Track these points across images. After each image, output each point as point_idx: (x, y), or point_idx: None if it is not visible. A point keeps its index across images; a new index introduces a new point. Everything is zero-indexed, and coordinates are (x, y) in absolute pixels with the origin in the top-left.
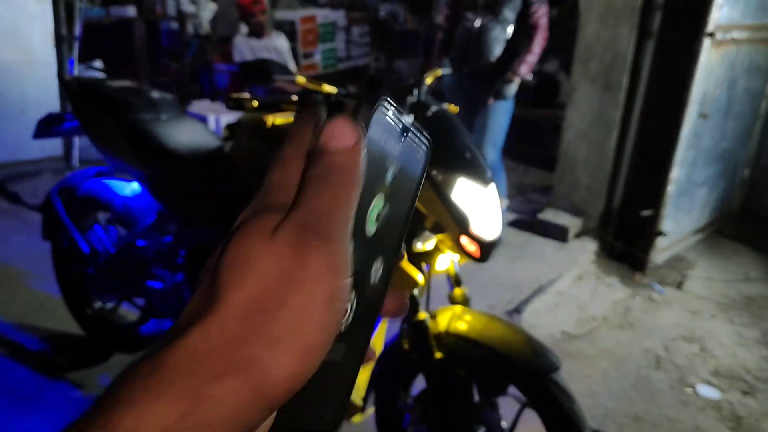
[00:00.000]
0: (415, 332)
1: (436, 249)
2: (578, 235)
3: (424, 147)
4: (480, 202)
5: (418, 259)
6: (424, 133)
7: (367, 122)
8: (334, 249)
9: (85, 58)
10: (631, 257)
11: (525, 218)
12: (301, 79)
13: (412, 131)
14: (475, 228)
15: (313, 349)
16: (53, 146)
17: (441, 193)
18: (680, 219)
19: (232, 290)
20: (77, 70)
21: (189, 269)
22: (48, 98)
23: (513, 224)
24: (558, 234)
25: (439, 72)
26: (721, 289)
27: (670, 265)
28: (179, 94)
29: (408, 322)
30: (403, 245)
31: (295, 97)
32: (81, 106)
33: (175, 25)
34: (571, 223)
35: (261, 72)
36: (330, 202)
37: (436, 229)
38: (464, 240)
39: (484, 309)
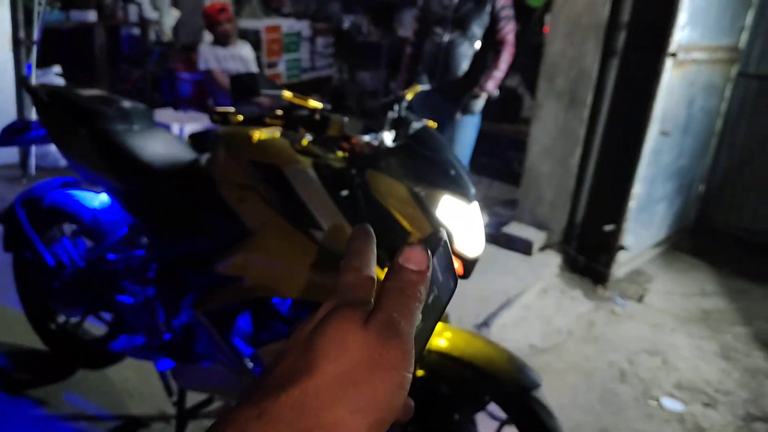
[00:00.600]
0: None
1: None
2: (542, 249)
3: (454, 283)
4: (464, 219)
5: None
6: (455, 272)
7: (434, 253)
8: (407, 347)
9: (44, 64)
10: (594, 271)
11: (490, 231)
12: (287, 94)
13: (453, 268)
14: (458, 245)
15: (383, 421)
16: (9, 154)
17: (425, 209)
18: (640, 234)
19: (329, 362)
20: (35, 76)
21: (161, 283)
22: (5, 104)
23: None
24: (523, 247)
25: (419, 88)
26: (679, 303)
27: (631, 279)
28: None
29: None
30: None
31: (279, 112)
32: (49, 115)
33: (136, 31)
34: (536, 236)
35: (249, 85)
36: (404, 310)
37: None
38: None
39: (454, 322)
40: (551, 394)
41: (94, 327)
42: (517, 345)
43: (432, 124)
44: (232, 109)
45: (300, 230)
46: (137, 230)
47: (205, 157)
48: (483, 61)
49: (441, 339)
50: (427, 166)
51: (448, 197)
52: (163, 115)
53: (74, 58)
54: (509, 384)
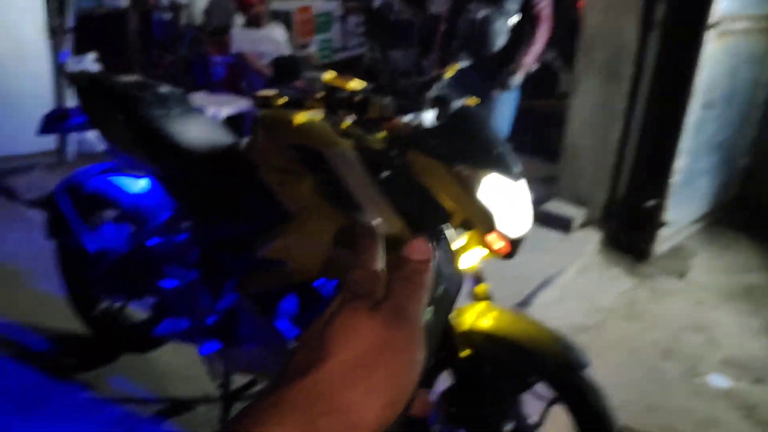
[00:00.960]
0: None
1: (463, 246)
2: (582, 226)
3: (460, 277)
4: (509, 198)
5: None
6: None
7: (436, 245)
8: (415, 329)
9: (79, 51)
10: (635, 248)
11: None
12: (328, 76)
13: (456, 262)
14: (503, 225)
15: (397, 401)
16: (46, 141)
17: (468, 189)
18: (682, 209)
19: (341, 349)
20: (71, 63)
21: (204, 267)
22: (42, 92)
23: None
24: (562, 225)
25: (458, 66)
26: (722, 279)
27: (673, 255)
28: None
29: None
30: None
31: (320, 94)
32: (90, 102)
33: (168, 15)
34: (575, 214)
35: (290, 68)
36: (412, 295)
37: (466, 226)
38: (492, 237)
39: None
40: (595, 372)
41: (137, 312)
42: (558, 324)
43: (473, 101)
44: (273, 92)
45: (341, 213)
46: (179, 215)
47: (244, 141)
48: (519, 37)
49: (485, 319)
50: (469, 145)
51: (491, 176)
52: (197, 98)
53: (108, 45)
54: (557, 363)
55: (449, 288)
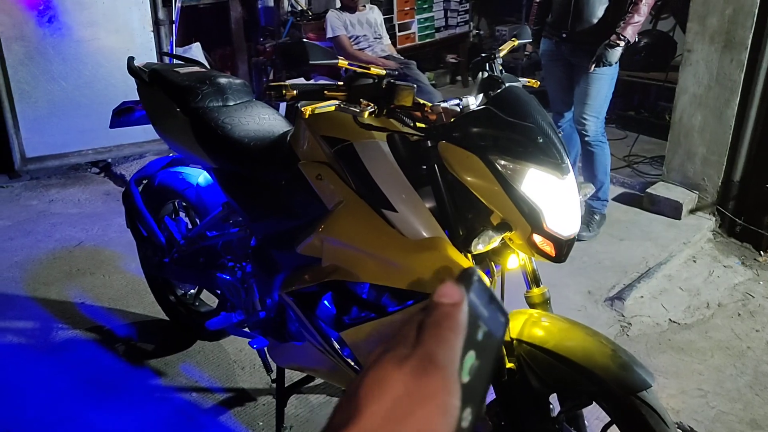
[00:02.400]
0: None
1: (506, 246)
2: (693, 212)
3: (503, 317)
4: (555, 195)
5: (485, 257)
6: (502, 304)
7: (467, 288)
8: (446, 374)
9: (184, 41)
10: (754, 236)
11: (633, 192)
12: (343, 62)
13: (497, 301)
14: (549, 225)
15: None
16: None
17: (508, 185)
18: None
19: (371, 404)
20: (175, 53)
21: (256, 262)
22: None
23: (619, 199)
24: (670, 210)
25: (516, 42)
26: None
27: None
28: (276, 73)
29: None
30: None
31: (340, 83)
32: (147, 95)
33: (270, 2)
34: (685, 198)
35: (296, 56)
36: (442, 341)
37: (503, 228)
38: (537, 238)
39: (582, 294)
40: (691, 376)
41: (211, 299)
42: (654, 321)
43: (533, 83)
44: (286, 83)
45: (376, 210)
46: (232, 208)
47: (291, 132)
48: (620, 7)
49: (537, 328)
50: (509, 135)
51: (535, 171)
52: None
53: (212, 34)
54: (612, 383)
55: (492, 330)
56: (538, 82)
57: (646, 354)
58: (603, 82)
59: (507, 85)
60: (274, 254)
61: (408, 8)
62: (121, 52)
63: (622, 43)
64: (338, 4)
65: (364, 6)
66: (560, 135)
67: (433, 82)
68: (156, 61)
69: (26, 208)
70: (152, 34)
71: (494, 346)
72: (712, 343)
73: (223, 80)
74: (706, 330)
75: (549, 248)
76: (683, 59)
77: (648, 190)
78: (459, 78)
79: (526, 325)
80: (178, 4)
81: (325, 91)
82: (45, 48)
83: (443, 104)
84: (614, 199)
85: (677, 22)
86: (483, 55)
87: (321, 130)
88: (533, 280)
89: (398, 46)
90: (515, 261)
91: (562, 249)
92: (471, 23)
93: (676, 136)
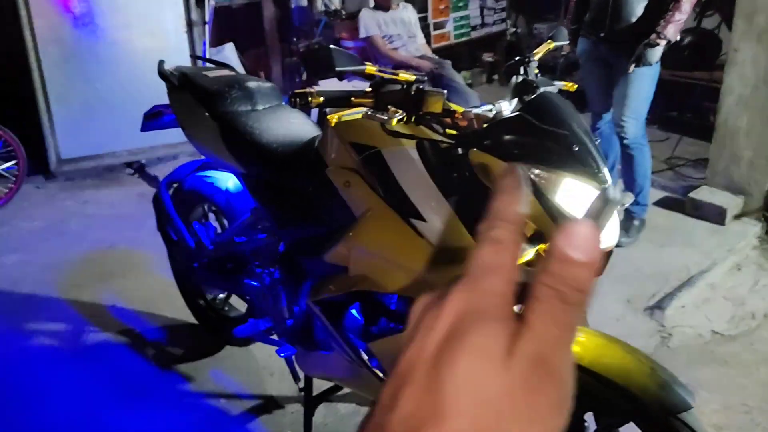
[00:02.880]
0: None
1: (541, 258)
2: (738, 217)
3: None
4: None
5: None
6: None
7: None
8: (563, 390)
9: (217, 42)
10: None
11: (675, 197)
12: (371, 69)
13: None
14: None
15: None
16: None
17: (542, 195)
18: None
19: (461, 415)
20: (209, 55)
21: (284, 269)
22: None
23: (661, 203)
24: (714, 215)
25: (552, 45)
26: None
27: None
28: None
29: None
30: None
31: (368, 89)
32: (176, 98)
33: (305, 2)
34: (730, 202)
35: (322, 62)
36: (564, 330)
37: (537, 239)
38: None
39: (621, 303)
40: (735, 391)
41: (241, 304)
42: (697, 331)
43: (570, 86)
44: (312, 90)
45: (404, 219)
46: (259, 214)
47: (319, 138)
48: (661, 4)
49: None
50: (543, 142)
51: (570, 180)
52: (324, 86)
53: (246, 35)
54: (650, 403)
55: None
56: (575, 85)
57: (687, 366)
58: (643, 83)
59: (541, 90)
60: (302, 261)
61: (443, 6)
62: (154, 53)
63: (663, 43)
64: (371, 3)
65: (398, 4)
66: (597, 141)
67: (469, 81)
68: (188, 64)
69: (60, 210)
70: (185, 35)
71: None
72: (758, 356)
73: (252, 84)
74: (752, 342)
75: None
76: (729, 58)
77: (691, 195)
78: (495, 77)
79: None
80: (212, 4)
81: (353, 98)
82: (80, 50)
83: (475, 110)
84: (655, 204)
85: (723, 20)
86: (517, 58)
87: (349, 137)
88: None
89: (433, 45)
90: None
91: (602, 262)
92: (508, 21)
93: (720, 138)
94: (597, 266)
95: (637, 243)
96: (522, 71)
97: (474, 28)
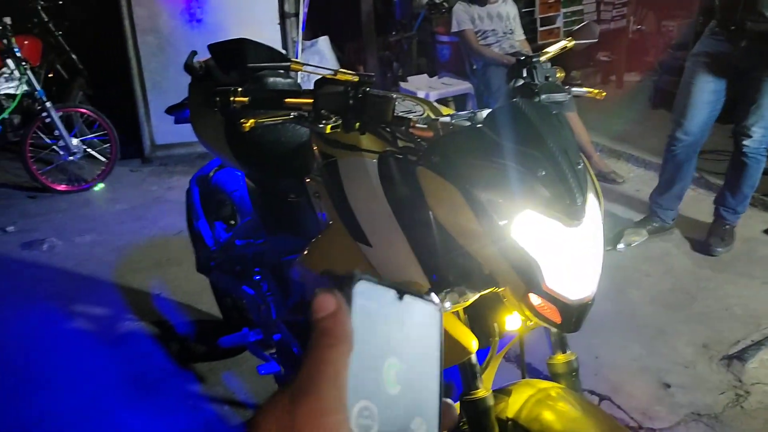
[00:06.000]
0: (472, 414)
1: (502, 307)
2: None
3: (432, 305)
4: (560, 245)
5: (482, 315)
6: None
7: (348, 294)
8: (321, 398)
9: (311, 36)
10: None
11: None
12: (297, 66)
13: (410, 294)
14: (550, 283)
15: None
16: None
17: (495, 228)
18: None
19: None
20: (302, 48)
21: (273, 279)
22: None
23: None
24: None
25: (572, 43)
26: None
27: None
28: (402, 69)
29: (461, 399)
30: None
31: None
32: (192, 91)
33: None
34: None
35: (233, 56)
36: (320, 362)
37: (485, 283)
38: (535, 299)
39: (695, 347)
40: None
41: None
42: None
43: (598, 94)
44: (236, 88)
45: (353, 237)
46: (255, 220)
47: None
48: None
49: (543, 408)
50: (501, 163)
51: (529, 213)
52: (416, 81)
53: (342, 27)
54: None
55: (418, 327)
56: (603, 93)
57: None
58: None
59: (560, 98)
60: (286, 274)
61: (552, 1)
62: None
63: None
64: None
65: None
66: (582, 167)
67: (579, 81)
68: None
69: (145, 193)
70: (278, 26)
71: (431, 345)
72: None
73: (270, 80)
74: None
75: (551, 313)
76: None
77: None
78: (613, 78)
79: (530, 402)
80: None
81: (286, 99)
82: (175, 39)
83: (444, 119)
84: (765, 231)
85: None
86: (522, 58)
87: (315, 144)
88: (558, 343)
89: (539, 42)
90: (515, 322)
91: (570, 316)
92: (632, 18)
93: None
94: (336, 312)
95: (734, 276)
96: (525, 73)
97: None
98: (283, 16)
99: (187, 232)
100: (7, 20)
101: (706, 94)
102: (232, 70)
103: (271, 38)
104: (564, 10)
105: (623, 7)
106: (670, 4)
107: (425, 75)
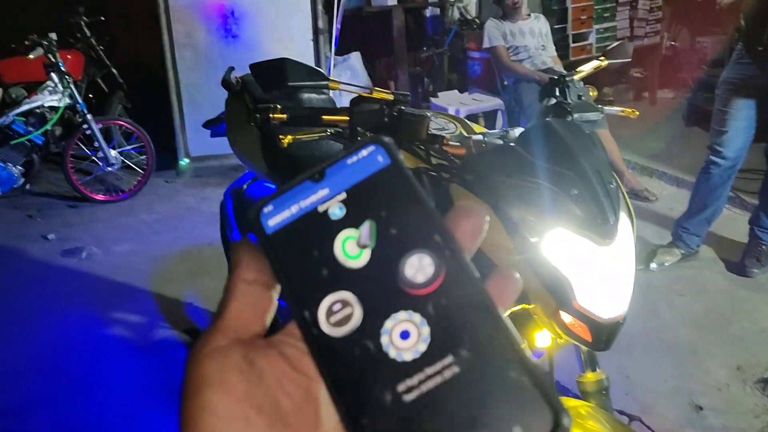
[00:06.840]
0: None
1: (532, 323)
2: None
3: (371, 149)
4: (591, 264)
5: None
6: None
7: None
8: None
9: (343, 51)
10: None
11: None
12: (334, 84)
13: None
14: (581, 302)
15: None
16: None
17: (527, 246)
18: None
19: None
20: (333, 63)
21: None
22: None
23: None
24: None
25: (605, 63)
26: None
27: None
28: (433, 84)
29: None
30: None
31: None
32: (229, 105)
33: (437, 11)
34: None
35: (274, 75)
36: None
37: (519, 298)
38: (566, 317)
39: (729, 370)
40: None
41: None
42: None
43: (631, 113)
44: (275, 106)
45: None
46: None
47: None
48: None
49: (578, 423)
50: (534, 182)
51: (561, 231)
52: (447, 97)
53: (374, 43)
54: None
55: (367, 178)
56: (637, 112)
57: None
58: None
59: (591, 116)
60: None
61: (585, 17)
62: None
63: None
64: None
65: (529, 14)
66: (614, 187)
67: (611, 98)
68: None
69: (180, 204)
70: (311, 42)
71: (399, 185)
72: None
73: (305, 96)
74: None
75: (582, 331)
76: None
77: None
78: (646, 94)
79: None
80: (341, 12)
81: (323, 117)
82: (212, 54)
83: (476, 137)
84: None
85: None
86: (555, 78)
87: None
88: (588, 361)
89: (571, 59)
90: (545, 339)
91: (601, 334)
92: (665, 34)
93: None
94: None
95: None
96: (558, 92)
97: (621, 40)
98: (316, 32)
99: (220, 243)
100: (53, 36)
101: (740, 120)
102: (273, 89)
103: (305, 53)
104: (597, 27)
105: (657, 23)
106: (705, 20)
107: (455, 91)
